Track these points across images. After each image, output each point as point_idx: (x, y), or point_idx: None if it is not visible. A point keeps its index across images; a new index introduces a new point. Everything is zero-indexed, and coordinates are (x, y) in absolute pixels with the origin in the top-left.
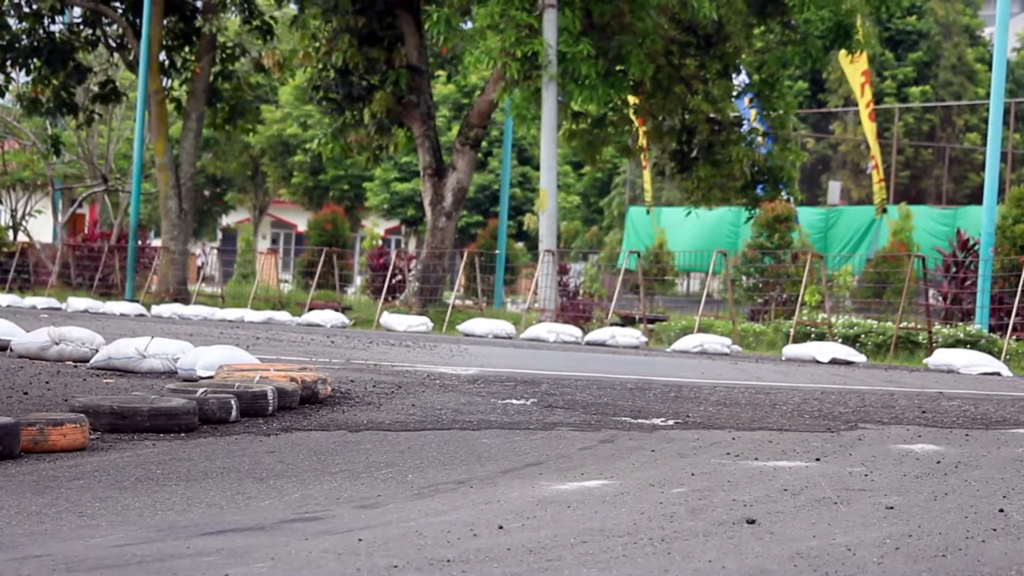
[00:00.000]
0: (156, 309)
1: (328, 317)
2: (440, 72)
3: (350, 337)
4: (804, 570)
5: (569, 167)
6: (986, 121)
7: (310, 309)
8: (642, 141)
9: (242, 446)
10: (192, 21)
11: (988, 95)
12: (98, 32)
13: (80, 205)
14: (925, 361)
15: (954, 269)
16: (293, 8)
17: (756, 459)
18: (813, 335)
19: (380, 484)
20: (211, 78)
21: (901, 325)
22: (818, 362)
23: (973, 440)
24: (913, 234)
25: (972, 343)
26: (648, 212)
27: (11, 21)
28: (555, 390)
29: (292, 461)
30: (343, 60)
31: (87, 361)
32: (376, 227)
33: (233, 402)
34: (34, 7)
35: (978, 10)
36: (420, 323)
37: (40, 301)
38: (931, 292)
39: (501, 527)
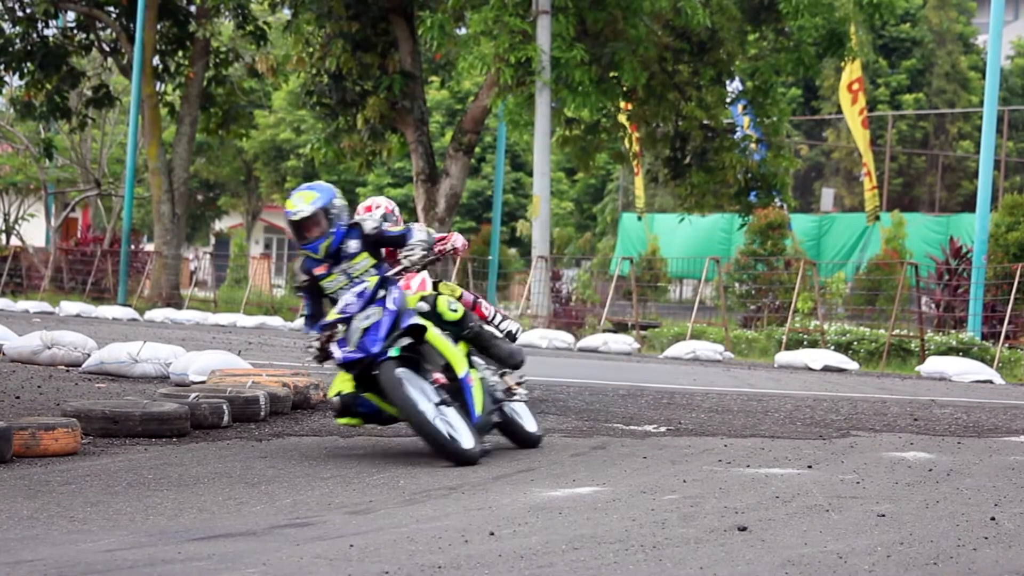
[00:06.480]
0: (149, 314)
1: None
2: (434, 78)
3: None
4: None
5: (562, 173)
6: (979, 129)
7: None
8: (635, 147)
9: (234, 451)
10: (186, 26)
11: (981, 103)
12: (92, 36)
13: (73, 209)
14: (917, 369)
15: (947, 277)
16: (287, 13)
17: (748, 466)
18: (806, 342)
19: (372, 490)
20: (204, 83)
21: (894, 332)
22: (810, 369)
23: (965, 448)
24: (906, 242)
25: (964, 351)
26: (639, 218)
27: (4, 25)
28: (547, 396)
29: (284, 466)
30: (337, 65)
31: (79, 365)
32: None
33: (225, 407)
34: (28, 11)
35: (972, 18)
36: None
37: (32, 305)
38: (924, 300)
39: (492, 533)
